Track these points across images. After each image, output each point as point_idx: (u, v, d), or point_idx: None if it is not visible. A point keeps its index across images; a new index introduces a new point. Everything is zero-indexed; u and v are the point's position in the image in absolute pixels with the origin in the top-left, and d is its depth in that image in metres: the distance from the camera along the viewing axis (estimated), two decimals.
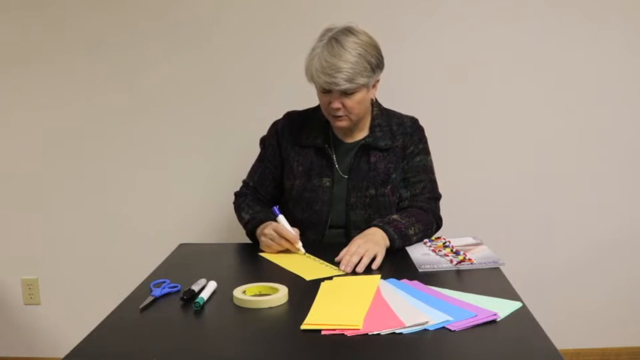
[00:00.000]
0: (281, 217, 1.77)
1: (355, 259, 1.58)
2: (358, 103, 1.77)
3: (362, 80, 1.72)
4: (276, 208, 1.80)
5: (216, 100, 2.50)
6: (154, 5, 2.45)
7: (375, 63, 1.76)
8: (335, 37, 1.72)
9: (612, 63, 2.45)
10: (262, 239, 1.77)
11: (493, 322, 1.24)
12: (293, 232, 1.74)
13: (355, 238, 1.67)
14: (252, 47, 2.46)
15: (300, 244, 1.73)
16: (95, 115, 2.54)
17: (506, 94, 2.48)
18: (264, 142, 1.99)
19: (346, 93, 1.73)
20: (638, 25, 2.44)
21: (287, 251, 1.75)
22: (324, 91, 1.75)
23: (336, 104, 1.75)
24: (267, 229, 1.75)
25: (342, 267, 1.57)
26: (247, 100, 2.49)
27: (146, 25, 2.46)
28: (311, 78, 1.76)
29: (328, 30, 1.77)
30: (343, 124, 1.81)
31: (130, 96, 2.52)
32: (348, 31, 1.75)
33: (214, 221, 2.57)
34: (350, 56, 1.70)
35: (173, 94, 2.51)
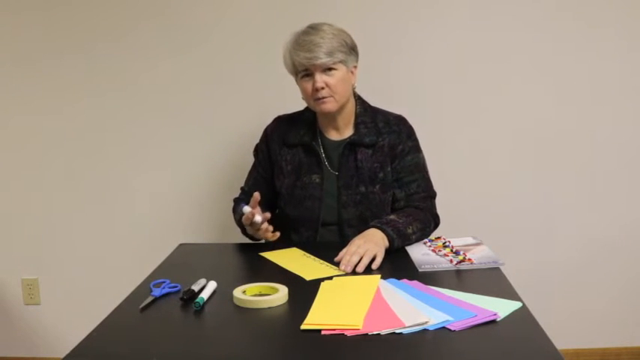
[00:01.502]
0: (245, 208, 1.76)
1: (355, 259, 1.58)
2: (341, 81, 1.80)
3: (340, 56, 1.78)
4: (242, 204, 1.79)
5: (216, 100, 2.51)
6: (154, 6, 2.45)
7: (350, 44, 1.82)
8: (309, 26, 1.81)
9: (611, 62, 2.45)
10: (247, 229, 1.81)
11: (493, 322, 1.24)
12: (249, 209, 1.73)
13: (355, 239, 1.67)
14: (252, 49, 2.46)
15: (257, 217, 1.72)
16: (95, 115, 2.54)
17: (506, 92, 2.48)
18: (256, 149, 2.02)
19: (327, 70, 1.77)
20: (635, 24, 2.44)
21: (287, 251, 1.75)
22: (306, 75, 1.79)
23: (320, 83, 1.77)
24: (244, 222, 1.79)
25: (342, 267, 1.57)
26: (247, 100, 2.49)
27: (145, 26, 2.46)
28: (291, 63, 1.80)
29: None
30: (329, 106, 1.81)
31: (129, 97, 2.52)
32: (321, 23, 1.82)
33: (214, 221, 2.57)
34: (325, 34, 1.77)
35: (173, 95, 2.51)
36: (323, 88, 1.78)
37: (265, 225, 1.75)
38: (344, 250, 1.62)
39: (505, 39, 2.44)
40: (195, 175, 2.57)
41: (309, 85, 1.79)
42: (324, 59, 1.74)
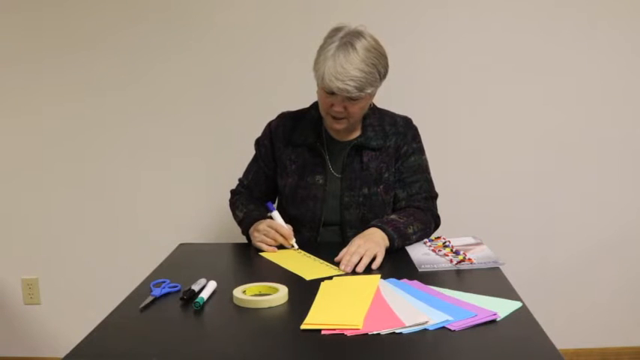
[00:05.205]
0: (275, 213, 1.81)
1: (355, 259, 1.58)
2: (360, 109, 1.79)
3: (370, 90, 1.74)
4: (270, 204, 1.83)
5: (216, 100, 2.51)
6: (154, 5, 2.45)
7: (384, 73, 1.77)
8: (350, 42, 1.70)
9: (612, 62, 2.46)
10: (255, 235, 1.80)
11: (493, 322, 1.24)
12: (287, 228, 1.77)
13: (355, 238, 1.67)
14: (252, 47, 2.46)
15: (293, 240, 1.76)
16: (95, 115, 2.54)
17: (506, 92, 2.48)
18: (258, 142, 2.01)
19: (351, 99, 1.73)
20: (637, 23, 2.43)
21: (287, 251, 1.76)
22: (329, 93, 1.74)
23: (339, 108, 1.75)
24: (262, 225, 1.79)
25: (342, 267, 1.57)
26: (247, 100, 2.49)
27: (146, 25, 2.46)
28: (322, 78, 1.72)
29: (337, 30, 1.75)
30: (341, 126, 1.81)
31: (129, 96, 2.52)
32: (361, 36, 1.73)
33: (214, 221, 2.57)
34: (364, 65, 1.69)
35: (173, 95, 2.51)
36: (341, 112, 1.76)
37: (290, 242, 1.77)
38: (344, 250, 1.62)
39: (508, 41, 2.44)
40: (195, 175, 2.57)
41: (328, 101, 1.76)
42: (353, 94, 1.70)
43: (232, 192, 2.04)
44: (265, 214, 1.84)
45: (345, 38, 1.71)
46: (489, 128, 2.51)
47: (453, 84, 2.47)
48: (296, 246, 1.76)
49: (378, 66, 1.73)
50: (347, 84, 1.68)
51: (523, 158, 2.52)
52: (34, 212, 2.62)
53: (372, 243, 1.64)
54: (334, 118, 1.79)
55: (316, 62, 1.76)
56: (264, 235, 1.77)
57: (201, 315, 1.33)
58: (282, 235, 1.75)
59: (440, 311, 1.28)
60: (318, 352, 1.17)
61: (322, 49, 1.75)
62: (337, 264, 1.60)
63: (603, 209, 2.55)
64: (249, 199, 1.97)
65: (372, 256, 1.60)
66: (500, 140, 2.51)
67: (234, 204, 1.98)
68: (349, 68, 1.67)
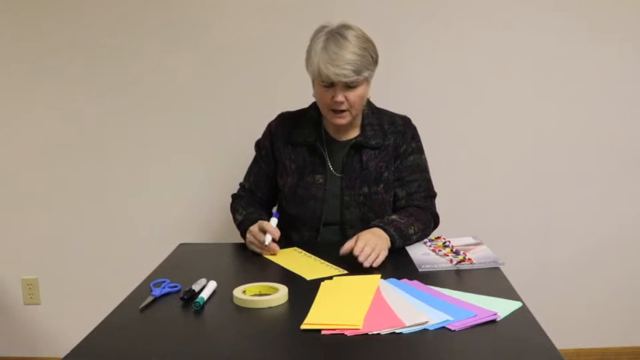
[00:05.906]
0: (273, 219, 1.80)
1: (370, 252, 1.58)
2: (360, 97, 1.80)
3: (367, 73, 1.76)
4: (276, 212, 1.86)
5: (216, 100, 2.50)
6: (153, 5, 2.45)
7: (375, 58, 1.81)
8: (338, 32, 1.75)
9: (612, 61, 2.45)
10: (247, 236, 1.81)
11: (493, 322, 1.24)
12: (272, 227, 1.74)
13: (362, 233, 1.67)
14: (251, 47, 2.46)
15: (268, 238, 1.71)
16: (95, 115, 2.54)
17: (506, 92, 2.48)
18: (258, 144, 2.01)
19: (350, 87, 1.75)
20: (637, 21, 2.43)
21: (287, 251, 1.76)
22: (327, 86, 1.76)
23: (340, 97, 1.76)
24: (253, 227, 1.79)
25: (361, 259, 1.56)
26: (247, 100, 2.49)
27: (145, 25, 2.46)
28: (317, 71, 1.74)
29: (323, 27, 1.79)
30: (344, 120, 1.81)
31: (129, 96, 2.52)
32: (348, 26, 1.78)
33: (214, 221, 2.57)
34: (357, 49, 1.73)
35: (173, 95, 2.51)
36: (342, 103, 1.77)
37: (273, 246, 1.74)
38: (351, 244, 1.61)
39: (508, 40, 2.44)
40: (195, 174, 2.57)
41: (327, 95, 1.77)
42: (351, 78, 1.72)
43: (233, 196, 2.03)
44: (264, 217, 1.84)
45: (333, 31, 1.76)
46: (489, 128, 2.50)
47: (453, 84, 2.47)
48: (267, 242, 1.71)
49: (369, 50, 1.77)
50: (344, 68, 1.70)
51: (523, 158, 2.52)
52: (34, 212, 2.62)
53: (378, 239, 1.65)
54: (336, 112, 1.79)
55: (308, 59, 1.80)
56: (253, 236, 1.77)
57: (201, 315, 1.33)
58: (264, 232, 1.74)
59: (440, 311, 1.28)
60: (318, 352, 1.17)
61: (311, 46, 1.79)
62: (337, 264, 1.60)
63: (603, 209, 2.55)
64: (250, 202, 1.96)
65: (384, 254, 1.62)
66: (500, 140, 2.51)
67: (234, 208, 1.98)
68: (343, 53, 1.71)
